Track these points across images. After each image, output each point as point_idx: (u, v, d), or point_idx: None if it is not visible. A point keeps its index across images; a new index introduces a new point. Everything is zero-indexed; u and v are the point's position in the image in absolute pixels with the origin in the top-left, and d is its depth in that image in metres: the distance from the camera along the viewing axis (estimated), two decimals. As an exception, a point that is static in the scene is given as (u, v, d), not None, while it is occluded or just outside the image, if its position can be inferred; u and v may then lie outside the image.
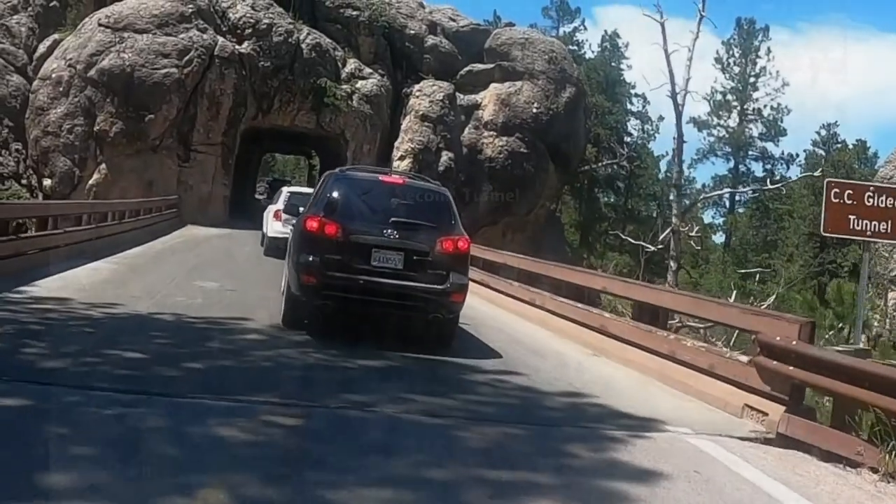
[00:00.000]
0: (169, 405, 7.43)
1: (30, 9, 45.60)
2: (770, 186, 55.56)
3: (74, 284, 14.64)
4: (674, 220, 35.03)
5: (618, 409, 9.34)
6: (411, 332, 12.43)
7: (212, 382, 8.43)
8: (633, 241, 49.29)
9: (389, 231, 11.75)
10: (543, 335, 15.36)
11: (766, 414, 9.26)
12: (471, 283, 13.47)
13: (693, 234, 41.63)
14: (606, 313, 15.21)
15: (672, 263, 34.21)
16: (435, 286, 11.81)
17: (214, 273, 19.12)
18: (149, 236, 27.09)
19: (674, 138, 38.41)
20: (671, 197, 39.41)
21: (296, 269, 11.99)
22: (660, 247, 38.93)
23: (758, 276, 51.89)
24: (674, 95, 35.45)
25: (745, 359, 9.99)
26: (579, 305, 15.38)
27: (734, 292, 35.29)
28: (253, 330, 11.73)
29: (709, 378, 10.43)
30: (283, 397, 7.95)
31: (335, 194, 12.45)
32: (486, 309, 18.37)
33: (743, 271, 52.92)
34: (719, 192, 67.86)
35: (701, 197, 60.92)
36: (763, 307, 23.07)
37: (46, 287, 13.94)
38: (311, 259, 11.68)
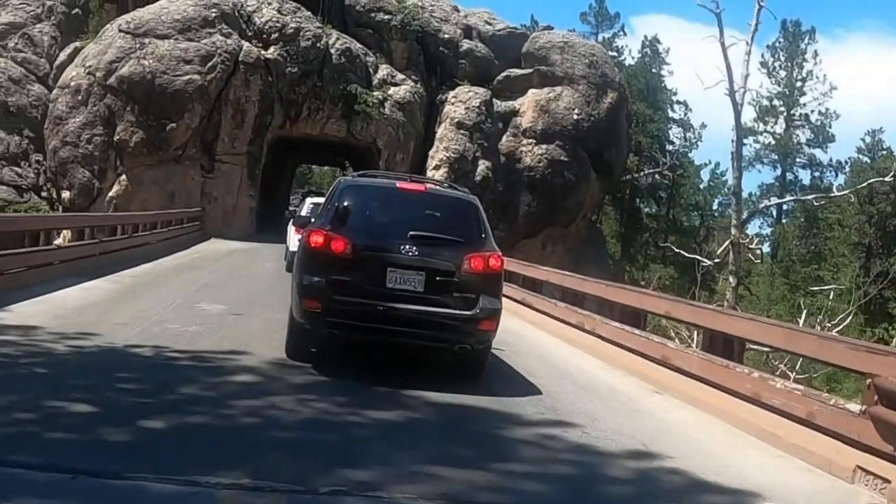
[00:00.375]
0: (95, 492, 5.43)
1: (52, 17, 44.57)
2: (837, 193, 51.55)
3: (55, 309, 12.77)
4: (733, 231, 32.29)
5: (700, 476, 7.26)
6: (436, 361, 10.81)
7: (167, 452, 6.36)
8: (687, 254, 46.69)
9: (408, 247, 9.89)
10: (594, 366, 13.33)
11: (887, 481, 7.19)
12: (510, 303, 11.61)
13: (752, 246, 38.93)
14: (670, 343, 13.09)
15: (731, 279, 31.57)
16: (461, 312, 9.98)
17: (224, 293, 17.23)
18: (164, 251, 25.39)
19: (732, 141, 35.50)
20: (729, 206, 36.76)
21: (298, 291, 10.16)
22: (717, 260, 36.43)
23: (810, 290, 49.33)
24: (732, 93, 32.80)
25: (855, 408, 7.86)
26: (637, 332, 13.27)
27: (804, 312, 32.64)
28: (246, 368, 9.69)
29: (806, 429, 8.36)
30: (256, 476, 5.82)
31: (345, 204, 10.57)
32: (526, 333, 16.33)
33: (816, 289, 49.60)
34: (785, 199, 64.12)
35: (762, 205, 57.71)
36: (836, 331, 20.75)
37: (19, 312, 12.10)
38: (314, 280, 9.88)
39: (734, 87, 32.61)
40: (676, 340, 18.92)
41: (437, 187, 12.28)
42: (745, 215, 33.52)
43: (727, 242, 33.55)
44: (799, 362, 23.29)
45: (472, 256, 10.12)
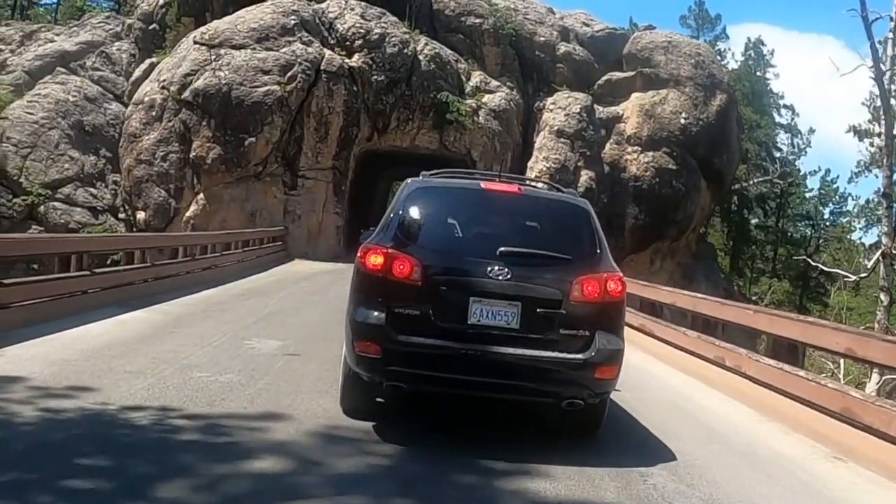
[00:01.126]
0: None
1: (131, 35, 43.04)
2: None
3: (60, 351, 10.08)
4: (883, 239, 27.82)
5: None
6: (538, 419, 8.61)
7: None
8: (826, 268, 42.67)
9: (497, 268, 7.26)
10: (746, 418, 10.30)
11: None
12: (628, 329, 8.70)
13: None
14: (854, 391, 9.88)
15: (882, 296, 27.23)
16: (571, 355, 7.32)
17: (286, 325, 14.45)
18: (236, 275, 22.88)
19: (879, 135, 30.52)
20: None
21: (351, 330, 7.46)
22: (864, 275, 32.35)
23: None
24: (878, 76, 28.02)
25: None
26: (801, 373, 10.16)
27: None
28: (274, 446, 6.73)
29: None
30: None
31: (412, 213, 7.91)
32: (650, 369, 13.31)
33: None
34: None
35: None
36: None
37: (11, 356, 9.49)
38: (372, 315, 7.29)
39: (881, 70, 27.96)
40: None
41: (535, 188, 9.43)
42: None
43: (878, 254, 29.05)
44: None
45: (585, 279, 7.46)
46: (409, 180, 8.36)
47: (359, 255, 7.67)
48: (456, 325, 7.17)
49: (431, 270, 7.26)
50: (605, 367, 7.38)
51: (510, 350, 7.15)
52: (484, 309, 7.20)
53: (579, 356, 7.27)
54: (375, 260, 7.36)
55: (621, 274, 7.73)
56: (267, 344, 11.92)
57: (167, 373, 9.31)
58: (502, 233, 7.76)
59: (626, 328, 7.95)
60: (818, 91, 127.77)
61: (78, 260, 14.16)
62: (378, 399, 7.97)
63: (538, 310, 7.28)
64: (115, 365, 9.52)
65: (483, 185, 8.29)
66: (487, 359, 7.09)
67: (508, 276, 7.20)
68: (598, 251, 7.82)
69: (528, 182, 10.61)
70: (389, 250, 7.34)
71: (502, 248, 7.34)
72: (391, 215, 7.96)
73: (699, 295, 14.88)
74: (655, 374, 12.90)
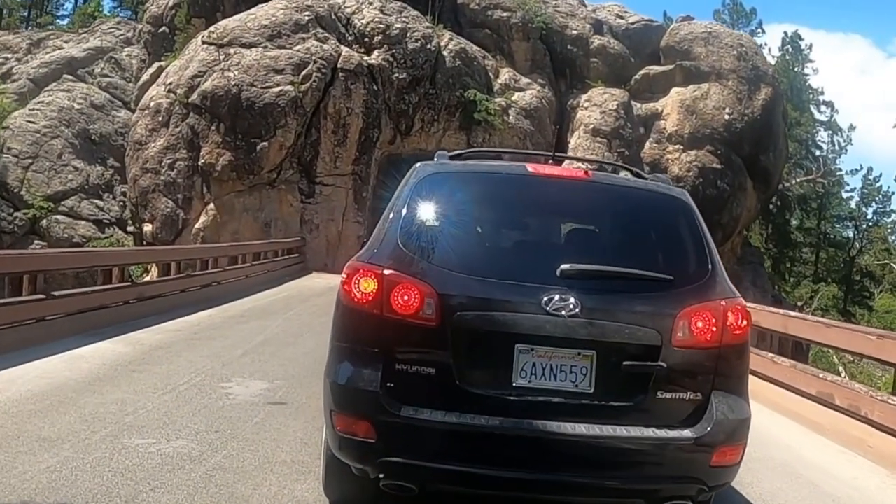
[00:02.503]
0: None
1: (141, 39, 41.15)
2: None
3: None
4: None
5: None
6: None
7: None
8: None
9: (557, 298, 4.58)
10: (878, 482, 7.78)
11: None
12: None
13: None
14: None
15: None
16: (675, 433, 4.66)
17: (281, 358, 11.78)
18: (241, 292, 20.47)
19: None
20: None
21: (331, 398, 4.83)
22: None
23: None
24: None
25: None
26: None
27: None
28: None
29: None
30: None
31: (421, 213, 5.15)
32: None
33: None
34: None
35: None
36: None
37: None
38: (361, 375, 4.70)
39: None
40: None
41: (610, 174, 6.55)
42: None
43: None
44: None
45: (695, 311, 4.76)
46: (417, 165, 5.61)
47: (342, 279, 5.04)
48: (493, 390, 4.58)
49: (453, 303, 4.62)
50: (727, 448, 4.74)
51: (579, 427, 4.53)
52: (538, 363, 4.57)
53: (687, 433, 4.65)
54: (366, 287, 4.77)
55: (743, 301, 5.07)
56: (249, 387, 9.35)
57: (94, 439, 6.77)
58: (563, 242, 5.26)
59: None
60: (848, 89, 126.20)
61: (31, 281, 11.74)
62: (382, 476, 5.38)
63: (624, 362, 4.64)
64: (31, 427, 7.01)
65: (531, 168, 5.46)
66: (543, 442, 4.47)
67: (576, 311, 4.55)
68: (710, 267, 5.07)
69: (596, 164, 7.90)
70: (386, 272, 4.74)
71: (565, 266, 4.66)
72: (390, 216, 5.22)
73: (792, 313, 12.04)
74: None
